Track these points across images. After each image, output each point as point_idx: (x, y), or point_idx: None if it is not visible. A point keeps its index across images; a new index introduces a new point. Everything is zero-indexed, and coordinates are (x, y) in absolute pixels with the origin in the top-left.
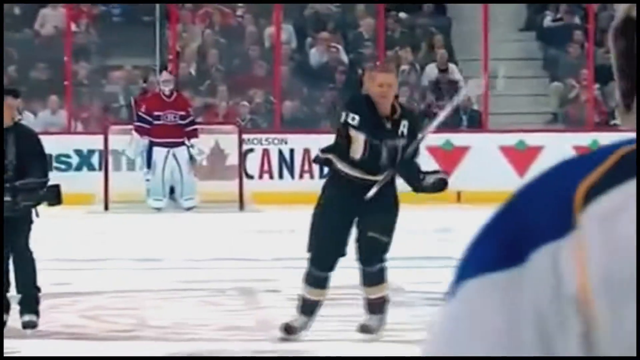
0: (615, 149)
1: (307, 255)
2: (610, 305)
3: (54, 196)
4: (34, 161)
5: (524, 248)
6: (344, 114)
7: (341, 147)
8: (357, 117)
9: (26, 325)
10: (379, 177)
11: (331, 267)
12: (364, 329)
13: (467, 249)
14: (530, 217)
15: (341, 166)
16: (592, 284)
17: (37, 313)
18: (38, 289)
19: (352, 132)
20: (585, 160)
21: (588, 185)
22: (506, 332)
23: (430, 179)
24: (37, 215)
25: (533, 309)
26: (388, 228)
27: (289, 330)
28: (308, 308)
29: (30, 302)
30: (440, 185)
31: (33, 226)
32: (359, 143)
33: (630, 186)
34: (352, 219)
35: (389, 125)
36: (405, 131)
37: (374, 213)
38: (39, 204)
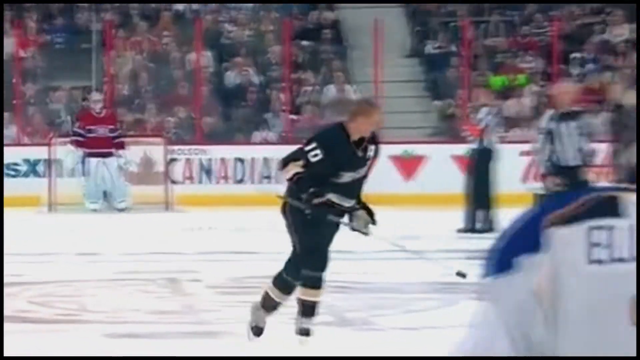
0: (588, 192)
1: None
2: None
3: None
4: None
5: (515, 259)
6: (312, 146)
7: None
8: (319, 155)
9: None
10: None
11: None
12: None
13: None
14: (520, 239)
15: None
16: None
17: None
18: None
19: (302, 162)
20: (565, 197)
21: (556, 218)
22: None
23: (361, 225)
24: None
25: (515, 305)
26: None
27: (306, 333)
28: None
29: None
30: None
31: None
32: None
33: (578, 225)
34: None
35: (360, 153)
36: (372, 154)
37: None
38: None
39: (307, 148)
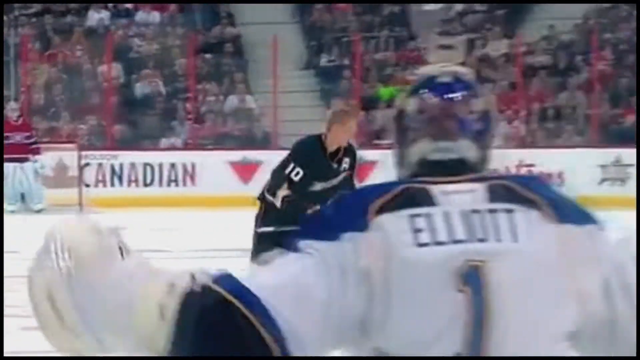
0: (402, 184)
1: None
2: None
3: None
4: None
5: (338, 231)
6: (290, 166)
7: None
8: (300, 173)
9: None
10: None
11: None
12: None
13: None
14: (344, 214)
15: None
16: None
17: None
18: None
19: (286, 184)
20: (381, 187)
21: (380, 204)
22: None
23: None
24: None
25: (339, 268)
26: None
27: None
28: None
29: None
30: None
31: None
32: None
33: (400, 213)
34: None
35: (335, 165)
36: (347, 167)
37: None
38: None
39: (287, 170)
